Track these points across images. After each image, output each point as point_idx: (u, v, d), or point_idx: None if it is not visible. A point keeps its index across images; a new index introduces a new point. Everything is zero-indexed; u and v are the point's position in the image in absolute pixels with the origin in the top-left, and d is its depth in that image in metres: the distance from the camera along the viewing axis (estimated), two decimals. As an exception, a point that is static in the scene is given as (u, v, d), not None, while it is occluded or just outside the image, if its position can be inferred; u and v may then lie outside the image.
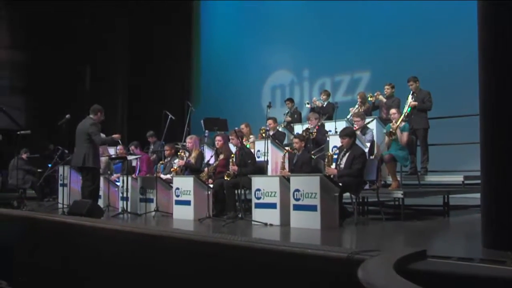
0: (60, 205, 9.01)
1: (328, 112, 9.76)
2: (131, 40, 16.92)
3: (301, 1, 14.09)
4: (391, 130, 7.39)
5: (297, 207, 6.09)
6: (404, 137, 7.38)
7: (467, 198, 8.35)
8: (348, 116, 9.19)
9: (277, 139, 8.68)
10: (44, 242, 6.58)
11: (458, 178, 7.84)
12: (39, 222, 6.72)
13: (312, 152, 7.89)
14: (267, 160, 7.77)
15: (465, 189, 7.78)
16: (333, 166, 6.82)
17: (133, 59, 16.79)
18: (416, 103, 8.17)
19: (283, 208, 6.32)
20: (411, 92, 8.28)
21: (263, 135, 8.86)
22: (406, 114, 7.74)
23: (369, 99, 9.18)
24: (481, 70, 4.23)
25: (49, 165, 10.51)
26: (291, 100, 10.98)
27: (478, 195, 4.91)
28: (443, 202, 7.33)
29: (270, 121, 9.28)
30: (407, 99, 8.25)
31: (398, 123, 7.42)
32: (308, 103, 10.58)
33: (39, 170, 11.20)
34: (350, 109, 9.49)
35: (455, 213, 7.49)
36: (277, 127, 9.61)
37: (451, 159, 9.34)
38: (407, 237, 5.73)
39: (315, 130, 8.59)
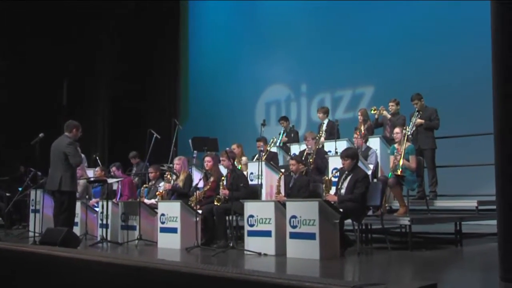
0: (31, 234, 8.92)
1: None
2: (113, 50, 16.90)
3: (299, 10, 14.17)
4: (397, 173, 7.25)
5: (294, 235, 6.07)
6: (412, 163, 7.41)
7: (481, 225, 8.34)
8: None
9: (270, 161, 8.65)
10: (12, 276, 6.49)
11: (471, 203, 7.86)
12: (6, 253, 6.64)
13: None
14: (261, 184, 7.76)
15: (479, 215, 7.79)
16: (333, 191, 6.80)
17: (115, 71, 16.77)
18: (422, 121, 8.25)
19: (278, 236, 6.30)
20: (416, 110, 8.36)
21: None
22: (409, 136, 7.78)
23: (372, 112, 8.99)
24: (496, 83, 4.23)
25: (20, 189, 10.40)
26: (285, 118, 10.87)
27: (494, 222, 4.90)
28: (455, 229, 7.32)
29: (259, 143, 9.30)
30: (412, 119, 8.30)
31: (402, 156, 7.36)
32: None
33: (7, 194, 11.09)
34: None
35: (469, 242, 7.49)
36: (268, 148, 9.52)
37: (464, 182, 9.34)
38: (415, 268, 5.71)
39: (312, 151, 8.56)
